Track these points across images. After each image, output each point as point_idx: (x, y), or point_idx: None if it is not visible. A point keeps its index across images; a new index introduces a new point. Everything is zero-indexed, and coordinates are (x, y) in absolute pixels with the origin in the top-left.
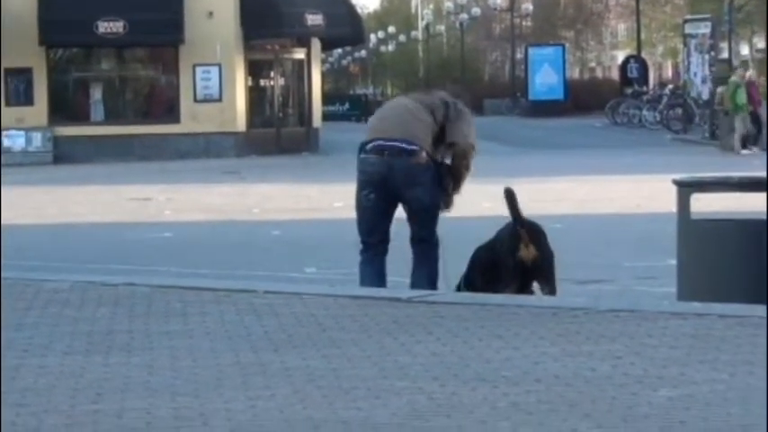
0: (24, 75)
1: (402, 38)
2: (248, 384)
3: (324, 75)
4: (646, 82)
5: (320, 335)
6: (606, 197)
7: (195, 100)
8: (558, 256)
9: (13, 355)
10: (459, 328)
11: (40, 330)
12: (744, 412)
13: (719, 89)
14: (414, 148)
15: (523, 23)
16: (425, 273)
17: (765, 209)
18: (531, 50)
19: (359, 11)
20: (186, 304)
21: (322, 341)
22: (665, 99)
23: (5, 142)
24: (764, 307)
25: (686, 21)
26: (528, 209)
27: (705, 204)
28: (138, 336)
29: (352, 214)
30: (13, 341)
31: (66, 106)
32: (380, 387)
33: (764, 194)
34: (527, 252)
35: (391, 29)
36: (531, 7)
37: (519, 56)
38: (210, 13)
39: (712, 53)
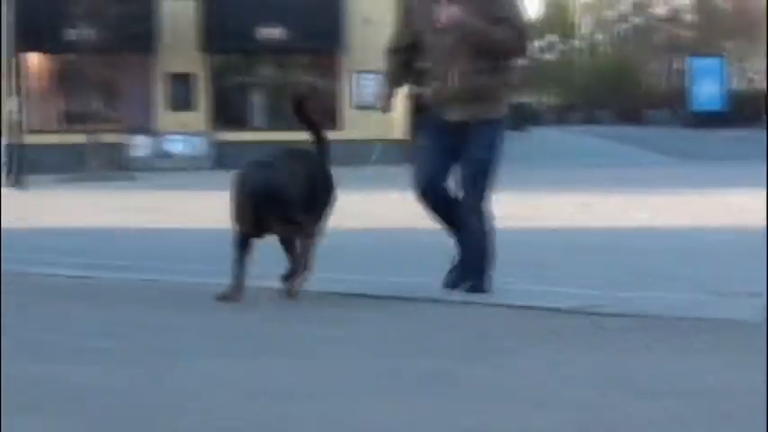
0: (186, 80)
1: (562, 46)
2: (412, 392)
3: None
4: None
5: (483, 344)
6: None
7: (354, 107)
8: (724, 270)
9: (177, 359)
10: (621, 339)
11: (190, 333)
12: None
13: None
14: None
15: (685, 34)
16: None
17: None
18: (692, 61)
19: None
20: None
21: (484, 351)
22: None
23: (167, 147)
24: None
25: None
26: (695, 219)
27: None
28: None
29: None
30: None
31: (227, 111)
32: (543, 398)
33: None
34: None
35: (552, 37)
36: (692, 17)
37: (675, 66)
38: (369, 20)
39: None
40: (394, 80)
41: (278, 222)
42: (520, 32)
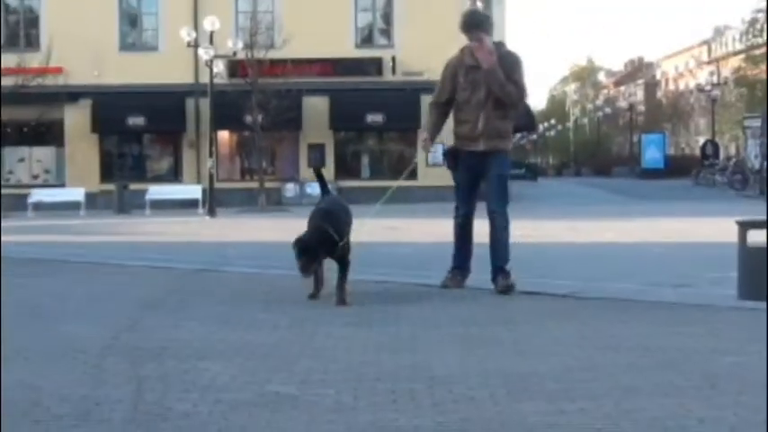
0: (320, 148)
1: (559, 126)
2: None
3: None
4: (717, 157)
5: (508, 317)
6: (691, 231)
7: (426, 165)
8: (660, 269)
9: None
10: (597, 313)
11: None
12: None
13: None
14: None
15: (638, 118)
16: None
17: None
18: (644, 136)
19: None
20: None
21: (508, 321)
22: (730, 168)
23: (308, 190)
24: None
25: (745, 117)
26: (643, 237)
27: (755, 236)
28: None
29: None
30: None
31: (346, 167)
32: (540, 350)
33: None
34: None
35: (552, 121)
36: (643, 108)
37: (633, 139)
38: None
39: (761, 139)
40: (434, 128)
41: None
42: (522, 91)
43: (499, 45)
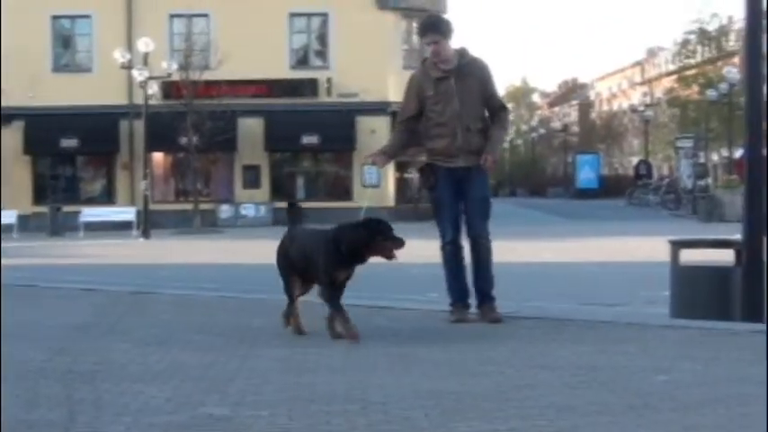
0: (255, 169)
1: None
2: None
3: None
4: (651, 177)
5: (442, 335)
6: (624, 250)
7: (362, 185)
8: (595, 289)
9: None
10: (528, 333)
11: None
12: None
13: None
14: None
15: (572, 139)
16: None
17: (734, 259)
18: (578, 156)
19: None
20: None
21: (440, 338)
22: (663, 188)
23: (243, 211)
24: (721, 322)
25: (677, 138)
26: (578, 256)
27: (687, 255)
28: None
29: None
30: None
31: (281, 189)
32: (472, 370)
33: (730, 251)
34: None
35: None
36: (577, 128)
37: (567, 160)
38: (373, 131)
39: (694, 159)
40: (395, 144)
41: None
42: (504, 106)
43: (463, 52)
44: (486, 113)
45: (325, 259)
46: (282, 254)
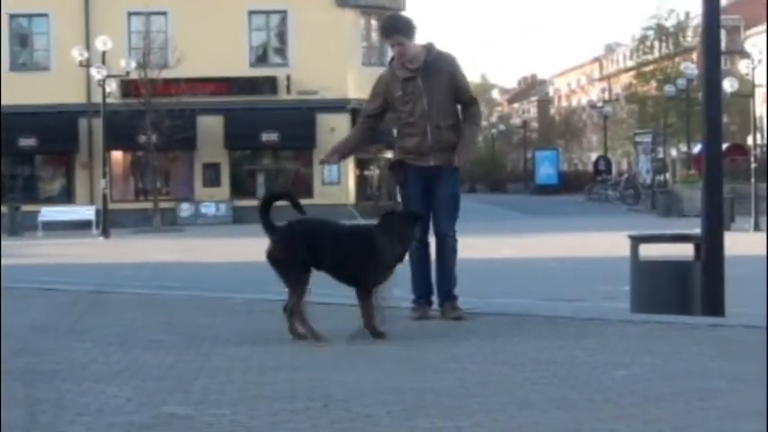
0: (215, 167)
1: None
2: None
3: None
4: (610, 173)
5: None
6: (584, 246)
7: (323, 183)
8: (555, 284)
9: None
10: (490, 329)
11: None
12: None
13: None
14: None
15: (532, 135)
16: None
17: (694, 253)
18: (537, 152)
19: None
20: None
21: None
22: (622, 183)
23: (203, 210)
24: (681, 316)
25: (636, 133)
26: (538, 252)
27: (647, 250)
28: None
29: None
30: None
31: (241, 187)
32: (435, 366)
33: (689, 245)
34: None
35: None
36: (537, 125)
37: (527, 156)
38: (332, 129)
39: (652, 154)
40: (351, 141)
41: None
42: (475, 99)
43: (430, 47)
44: (459, 107)
45: (382, 254)
46: (295, 246)
